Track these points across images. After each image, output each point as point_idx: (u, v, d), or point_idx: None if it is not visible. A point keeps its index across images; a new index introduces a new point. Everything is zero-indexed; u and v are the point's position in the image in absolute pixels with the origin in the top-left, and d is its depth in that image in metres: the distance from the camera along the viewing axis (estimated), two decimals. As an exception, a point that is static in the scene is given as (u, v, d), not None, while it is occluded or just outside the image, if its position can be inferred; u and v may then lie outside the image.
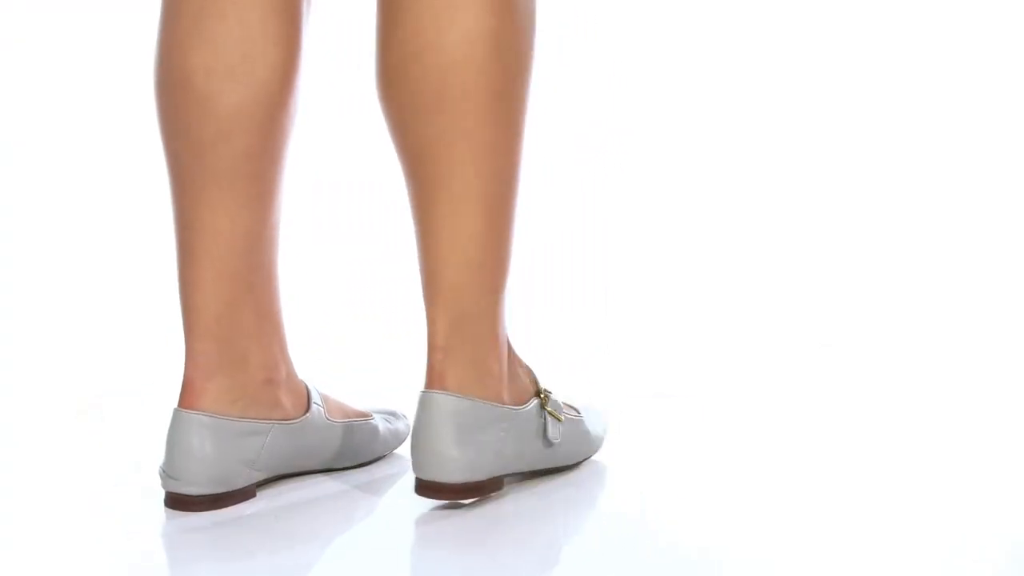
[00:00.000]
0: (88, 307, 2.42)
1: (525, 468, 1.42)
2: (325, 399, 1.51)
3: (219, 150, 1.38)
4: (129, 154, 2.77)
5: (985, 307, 2.34)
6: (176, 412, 1.38)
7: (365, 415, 1.55)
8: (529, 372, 1.44)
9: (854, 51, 2.86)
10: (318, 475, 1.50)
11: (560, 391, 1.52)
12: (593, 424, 1.51)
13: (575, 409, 1.50)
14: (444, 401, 1.35)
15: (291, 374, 1.46)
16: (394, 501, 1.42)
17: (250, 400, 1.41)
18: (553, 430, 1.42)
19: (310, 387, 1.49)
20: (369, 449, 1.54)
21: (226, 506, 1.39)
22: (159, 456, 1.43)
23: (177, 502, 1.38)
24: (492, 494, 1.38)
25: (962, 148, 2.81)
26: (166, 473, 1.38)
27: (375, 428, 1.54)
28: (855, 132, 2.84)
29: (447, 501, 1.37)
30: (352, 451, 1.52)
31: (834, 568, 1.22)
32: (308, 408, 1.47)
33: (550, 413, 1.42)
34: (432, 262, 1.37)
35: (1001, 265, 2.54)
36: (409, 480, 1.46)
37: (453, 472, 1.35)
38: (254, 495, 1.42)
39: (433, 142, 1.35)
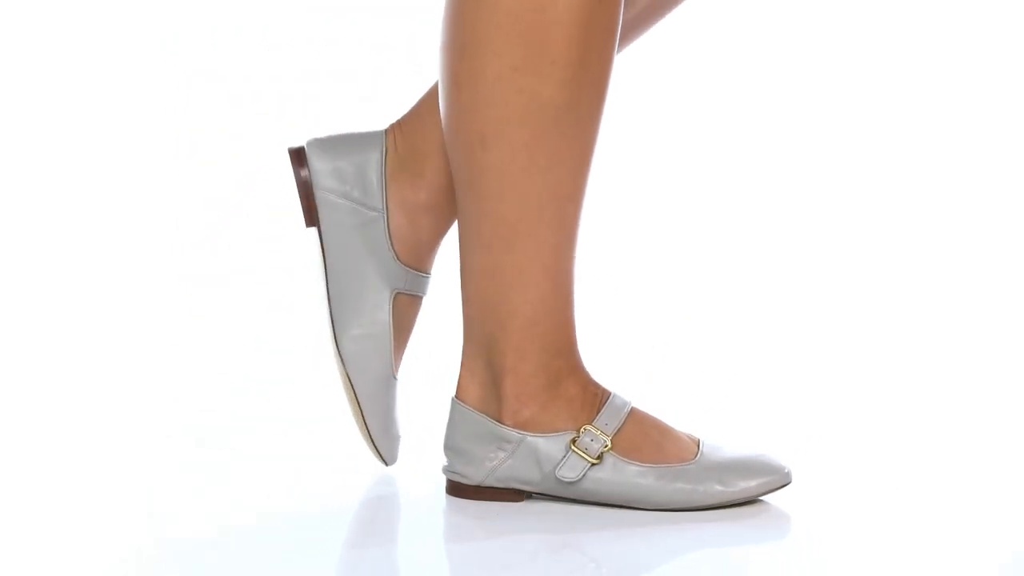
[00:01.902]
0: (88, 306, 2.42)
1: (550, 492, 1.38)
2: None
3: None
4: (131, 154, 2.77)
5: (985, 308, 2.34)
6: None
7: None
8: (593, 403, 1.37)
9: (853, 52, 2.86)
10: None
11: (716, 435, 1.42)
12: (697, 479, 1.36)
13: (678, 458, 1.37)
14: (452, 406, 1.40)
15: None
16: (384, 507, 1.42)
17: None
18: (567, 470, 1.36)
19: None
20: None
21: None
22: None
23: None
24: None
25: (963, 150, 2.81)
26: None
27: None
28: (855, 134, 2.84)
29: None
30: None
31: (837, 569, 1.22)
32: None
33: (575, 451, 1.36)
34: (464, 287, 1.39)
35: (1001, 266, 2.54)
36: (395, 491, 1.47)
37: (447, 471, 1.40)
38: None
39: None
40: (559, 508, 1.36)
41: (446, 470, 1.39)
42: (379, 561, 1.26)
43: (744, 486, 1.36)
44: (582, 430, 1.36)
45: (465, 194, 1.36)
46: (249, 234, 2.58)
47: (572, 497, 1.36)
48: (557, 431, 1.36)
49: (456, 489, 1.39)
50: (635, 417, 1.38)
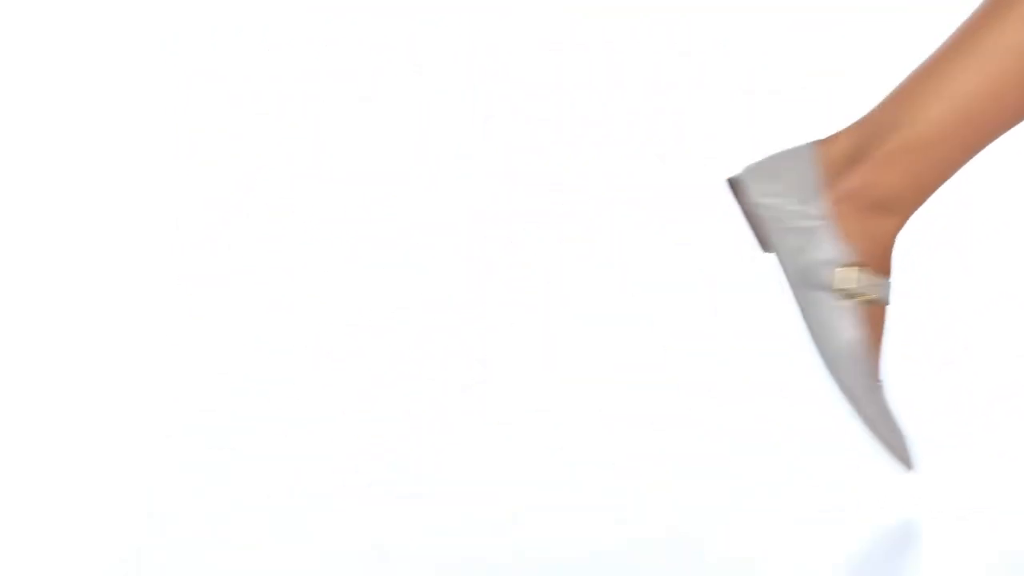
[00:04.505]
0: (89, 307, 2.42)
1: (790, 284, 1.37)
2: None
3: None
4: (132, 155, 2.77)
5: (985, 308, 2.34)
6: None
7: None
8: (880, 266, 1.37)
9: (853, 54, 2.86)
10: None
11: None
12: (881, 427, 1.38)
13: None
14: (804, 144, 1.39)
15: None
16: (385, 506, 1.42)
17: None
18: (840, 281, 1.35)
19: None
20: None
21: None
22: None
23: None
24: None
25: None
26: None
27: None
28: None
29: None
30: None
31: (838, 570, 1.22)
32: None
33: (848, 275, 1.35)
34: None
35: (1001, 266, 2.54)
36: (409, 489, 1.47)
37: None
38: None
39: None
40: (560, 508, 1.36)
41: (738, 179, 1.37)
42: (379, 561, 1.26)
43: (891, 438, 1.36)
44: (860, 268, 1.35)
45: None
46: (249, 234, 2.59)
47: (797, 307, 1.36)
48: (849, 244, 1.35)
49: (733, 187, 1.36)
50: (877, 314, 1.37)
